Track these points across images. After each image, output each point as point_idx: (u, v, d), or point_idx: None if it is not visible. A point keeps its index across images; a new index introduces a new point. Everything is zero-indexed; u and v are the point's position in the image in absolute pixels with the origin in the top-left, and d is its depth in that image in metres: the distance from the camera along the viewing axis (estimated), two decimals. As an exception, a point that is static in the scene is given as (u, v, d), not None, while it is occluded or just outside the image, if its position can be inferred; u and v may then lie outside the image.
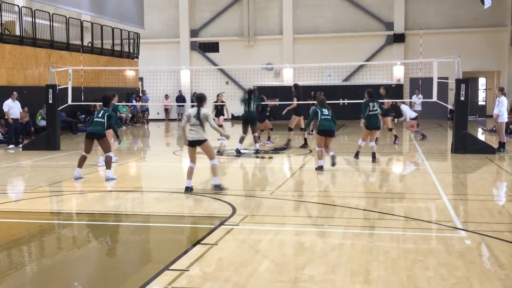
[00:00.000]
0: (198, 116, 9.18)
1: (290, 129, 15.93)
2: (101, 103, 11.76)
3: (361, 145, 13.09)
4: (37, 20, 21.42)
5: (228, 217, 7.46)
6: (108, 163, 10.93)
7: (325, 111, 11.65)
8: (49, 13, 22.01)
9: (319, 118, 11.67)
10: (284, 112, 16.26)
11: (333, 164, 11.38)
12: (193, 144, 9.29)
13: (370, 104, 12.78)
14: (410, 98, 25.53)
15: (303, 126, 14.91)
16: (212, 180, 9.46)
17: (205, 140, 9.29)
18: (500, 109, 14.62)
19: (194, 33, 32.27)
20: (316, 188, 10.11)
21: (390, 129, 16.59)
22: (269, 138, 16.84)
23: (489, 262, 5.59)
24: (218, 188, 9.32)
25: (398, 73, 29.68)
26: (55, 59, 21.57)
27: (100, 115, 11.07)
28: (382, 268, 5.36)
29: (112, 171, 11.01)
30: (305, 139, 15.85)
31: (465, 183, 10.60)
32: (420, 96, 22.46)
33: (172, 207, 8.46)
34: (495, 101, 15.22)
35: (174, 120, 31.77)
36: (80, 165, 10.97)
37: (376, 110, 12.86)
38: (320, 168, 11.47)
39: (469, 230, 6.71)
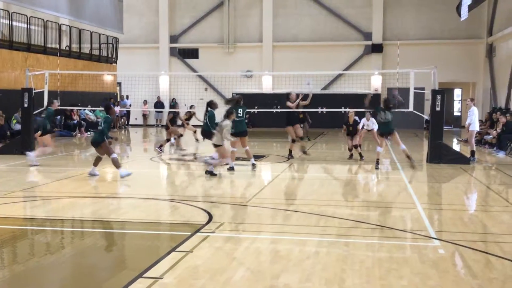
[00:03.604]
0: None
1: (293, 141, 15.07)
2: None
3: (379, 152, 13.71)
4: (14, 23, 21.14)
5: (204, 225, 7.43)
6: (115, 164, 11.45)
7: (240, 112, 12.51)
8: (26, 16, 21.76)
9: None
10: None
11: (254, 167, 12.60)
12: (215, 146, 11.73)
13: (382, 112, 13.22)
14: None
15: (295, 136, 14.85)
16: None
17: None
18: (472, 118, 14.99)
19: (173, 39, 32.21)
20: (293, 196, 10.14)
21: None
22: (160, 146, 16.90)
23: (462, 272, 5.66)
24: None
25: (376, 83, 30.01)
26: (31, 63, 21.32)
27: (100, 123, 11.80)
28: (357, 276, 5.39)
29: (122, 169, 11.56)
30: (290, 150, 15.19)
31: (440, 192, 10.73)
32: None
33: (147, 213, 8.39)
34: (468, 111, 15.60)
35: (152, 126, 31.61)
36: (95, 164, 11.75)
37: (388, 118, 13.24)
38: (231, 169, 12.41)
39: (443, 239, 6.79)
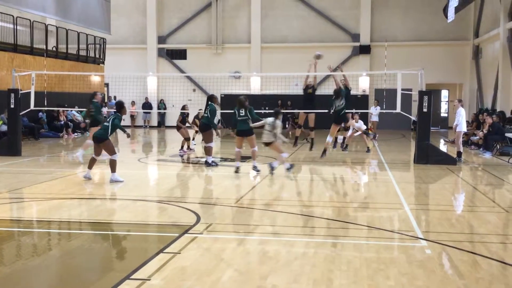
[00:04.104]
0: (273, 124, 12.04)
1: (299, 127, 16.51)
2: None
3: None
4: (0, 23, 20.96)
5: (192, 226, 7.41)
6: (112, 166, 11.17)
7: (242, 112, 12.50)
8: (13, 16, 21.58)
9: (236, 120, 12.47)
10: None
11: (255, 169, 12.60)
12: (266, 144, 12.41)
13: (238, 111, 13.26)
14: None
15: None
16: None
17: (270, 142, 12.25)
18: (459, 119, 15.11)
19: (161, 39, 32.13)
20: (281, 197, 10.15)
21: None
22: (182, 148, 16.83)
23: (449, 272, 5.70)
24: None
25: (363, 84, 30.14)
26: (18, 63, 21.14)
27: (108, 119, 11.39)
28: (345, 277, 5.41)
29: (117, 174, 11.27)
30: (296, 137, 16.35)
31: (427, 193, 10.79)
32: (378, 107, 22.86)
33: (135, 214, 8.36)
34: (455, 112, 15.71)
35: (140, 127, 31.49)
36: (90, 166, 11.45)
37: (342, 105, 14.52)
38: (236, 170, 12.51)
39: (430, 239, 6.83)
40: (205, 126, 13.71)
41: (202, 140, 14.19)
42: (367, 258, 6.02)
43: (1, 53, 20.85)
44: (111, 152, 11.22)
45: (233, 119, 12.93)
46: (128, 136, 11.72)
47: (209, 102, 13.80)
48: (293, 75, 28.31)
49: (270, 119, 12.33)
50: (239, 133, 12.81)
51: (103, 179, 11.66)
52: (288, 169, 12.30)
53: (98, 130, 11.46)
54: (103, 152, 11.75)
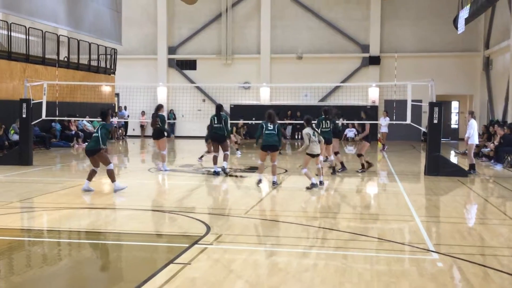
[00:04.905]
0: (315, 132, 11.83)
1: (336, 153, 15.22)
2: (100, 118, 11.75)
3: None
4: (13, 34, 21.19)
5: (202, 236, 7.41)
6: (111, 176, 11.13)
7: (270, 126, 12.09)
8: (25, 26, 21.81)
9: (263, 133, 12.11)
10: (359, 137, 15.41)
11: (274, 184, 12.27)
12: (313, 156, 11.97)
13: (323, 122, 14.07)
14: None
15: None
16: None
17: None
18: (470, 131, 14.97)
19: (171, 50, 32.31)
20: (291, 208, 10.11)
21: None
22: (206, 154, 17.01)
23: (460, 285, 5.64)
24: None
25: (373, 95, 30.10)
26: (30, 73, 21.34)
27: (95, 130, 11.32)
28: (355, 289, 5.37)
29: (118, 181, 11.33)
30: (342, 163, 15.33)
31: (438, 205, 10.72)
32: (387, 118, 22.80)
33: (145, 225, 8.37)
34: (467, 124, 15.56)
35: (150, 137, 31.55)
36: (89, 178, 11.26)
37: (329, 127, 14.19)
38: (259, 182, 12.29)
39: (441, 252, 6.78)
40: (221, 137, 14.07)
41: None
42: (378, 271, 5.98)
43: (14, 63, 21.05)
44: (106, 162, 11.10)
45: (259, 132, 12.31)
46: (106, 151, 11.41)
47: (221, 112, 14.10)
48: (303, 85, 28.42)
49: (309, 130, 11.89)
50: (265, 148, 12.18)
51: (112, 189, 11.67)
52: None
53: (89, 143, 11.35)
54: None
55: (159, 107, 15.15)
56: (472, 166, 14.93)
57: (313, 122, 12.46)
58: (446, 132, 28.40)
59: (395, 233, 7.95)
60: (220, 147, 14.21)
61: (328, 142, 13.96)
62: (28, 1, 20.08)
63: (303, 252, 6.78)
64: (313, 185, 11.79)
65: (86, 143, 24.06)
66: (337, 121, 15.01)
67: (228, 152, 14.46)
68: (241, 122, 19.05)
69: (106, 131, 11.22)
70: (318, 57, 30.65)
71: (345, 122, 18.86)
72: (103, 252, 7.02)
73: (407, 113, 15.07)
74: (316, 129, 12.40)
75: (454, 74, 29.45)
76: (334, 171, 14.56)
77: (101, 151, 11.08)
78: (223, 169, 14.09)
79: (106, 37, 26.23)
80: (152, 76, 31.94)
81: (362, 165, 15.08)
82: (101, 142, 10.98)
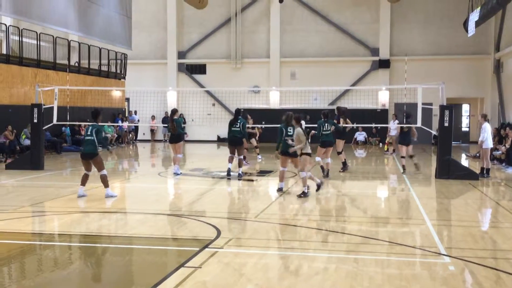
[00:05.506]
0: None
1: (339, 153, 15.63)
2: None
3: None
4: (24, 39, 21.38)
5: (212, 240, 7.41)
6: (104, 182, 11.05)
7: (290, 131, 11.46)
8: (36, 32, 22.00)
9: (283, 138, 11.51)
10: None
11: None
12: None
13: (323, 125, 14.11)
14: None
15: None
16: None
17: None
18: (484, 135, 14.78)
19: (181, 54, 32.41)
20: (301, 212, 10.10)
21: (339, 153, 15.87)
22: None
23: (472, 288, 5.61)
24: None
25: (383, 98, 30.00)
26: (41, 78, 21.50)
27: (89, 133, 11.03)
28: (366, 293, 5.35)
29: (111, 188, 11.25)
30: (344, 160, 15.78)
31: (449, 208, 10.66)
32: (397, 121, 22.72)
33: (156, 229, 8.39)
34: (480, 127, 15.39)
35: (160, 141, 31.70)
36: (83, 183, 11.15)
37: (329, 130, 14.11)
38: (280, 190, 11.85)
39: (453, 256, 6.74)
40: (239, 140, 14.35)
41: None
42: (390, 275, 5.95)
43: (25, 69, 21.23)
44: (100, 168, 11.02)
45: (279, 138, 11.60)
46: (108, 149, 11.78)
47: (239, 117, 14.46)
48: (312, 89, 28.39)
49: (300, 129, 11.28)
50: (285, 153, 11.56)
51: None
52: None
53: (86, 146, 10.97)
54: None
55: (174, 112, 15.27)
56: (487, 170, 14.77)
57: (314, 125, 12.65)
58: (457, 135, 28.25)
59: (406, 236, 7.91)
60: (236, 150, 14.49)
61: (329, 144, 14.22)
62: (39, 7, 20.22)
63: (314, 256, 6.77)
64: (304, 194, 11.16)
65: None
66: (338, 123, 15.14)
67: (242, 157, 14.74)
68: (257, 127, 19.01)
69: (101, 134, 11.11)
70: (327, 60, 30.60)
71: (355, 125, 18.83)
72: (114, 256, 7.04)
73: (417, 116, 15.01)
74: (303, 128, 11.62)
75: (464, 77, 29.29)
76: (326, 173, 14.58)
77: (99, 155, 11.05)
78: (238, 174, 14.28)
79: (116, 42, 26.36)
80: (162, 80, 32.05)
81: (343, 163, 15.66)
82: (97, 146, 10.91)
